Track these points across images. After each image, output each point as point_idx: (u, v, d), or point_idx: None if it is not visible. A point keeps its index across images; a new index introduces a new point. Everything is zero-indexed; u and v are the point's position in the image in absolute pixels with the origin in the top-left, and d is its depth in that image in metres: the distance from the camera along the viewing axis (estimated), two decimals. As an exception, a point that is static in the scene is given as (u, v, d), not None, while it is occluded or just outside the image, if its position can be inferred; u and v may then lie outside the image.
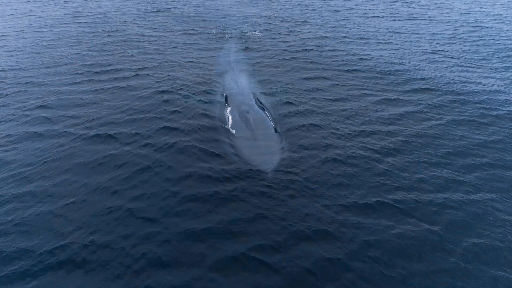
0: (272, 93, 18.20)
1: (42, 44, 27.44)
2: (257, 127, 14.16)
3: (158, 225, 9.60)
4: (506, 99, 17.07)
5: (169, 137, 13.84)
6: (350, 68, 21.98)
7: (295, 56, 24.51)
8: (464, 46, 26.50)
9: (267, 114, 15.58)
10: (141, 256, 8.65)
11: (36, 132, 14.52)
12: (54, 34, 30.59)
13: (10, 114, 16.11)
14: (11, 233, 9.45)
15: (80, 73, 21.07)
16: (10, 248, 8.96)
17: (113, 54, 24.92)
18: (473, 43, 27.13)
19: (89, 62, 23.07)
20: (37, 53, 25.23)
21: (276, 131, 14.19)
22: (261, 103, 16.76)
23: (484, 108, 16.21)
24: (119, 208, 10.20)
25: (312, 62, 23.20)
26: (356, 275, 8.21)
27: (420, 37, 29.14)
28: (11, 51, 25.85)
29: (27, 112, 16.24)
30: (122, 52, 25.41)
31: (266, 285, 8.00)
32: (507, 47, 25.70)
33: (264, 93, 18.09)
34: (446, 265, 8.50)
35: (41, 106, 16.79)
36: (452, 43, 27.44)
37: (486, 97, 17.40)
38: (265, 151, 12.68)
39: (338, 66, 22.52)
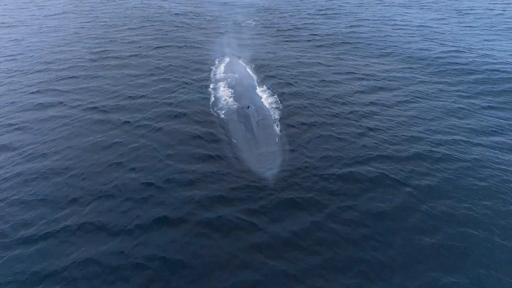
0: (266, 74, 19.28)
1: (46, 31, 28.47)
2: (258, 128, 13.54)
3: (154, 189, 10.73)
4: (483, 86, 18.00)
5: (166, 115, 14.93)
6: (340, 53, 23.02)
7: (288, 43, 25.54)
8: (452, 33, 27.39)
9: (265, 105, 15.62)
10: (141, 214, 9.84)
11: (43, 111, 15.65)
12: (57, 22, 31.60)
13: (18, 95, 17.26)
14: (29, 196, 10.72)
15: (83, 57, 22.18)
16: (27, 209, 10.24)
17: (113, 37, 25.99)
18: (461, 30, 28.02)
19: (91, 46, 24.16)
20: (41, 39, 26.27)
21: (276, 129, 13.80)
22: (256, 86, 17.73)
23: (461, 95, 17.14)
24: (120, 175, 11.36)
25: (304, 49, 24.25)
26: (331, 234, 9.19)
27: (410, 23, 30.03)
28: (17, 38, 26.89)
29: (31, 89, 17.45)
30: (122, 36, 26.48)
31: (252, 241, 9.01)
32: (493, 35, 26.60)
33: (259, 76, 19.19)
34: (411, 221, 9.53)
35: (46, 89, 17.90)
36: (440, 28, 28.35)
37: (465, 82, 18.45)
38: (265, 158, 12.08)
39: (329, 51, 23.58)
